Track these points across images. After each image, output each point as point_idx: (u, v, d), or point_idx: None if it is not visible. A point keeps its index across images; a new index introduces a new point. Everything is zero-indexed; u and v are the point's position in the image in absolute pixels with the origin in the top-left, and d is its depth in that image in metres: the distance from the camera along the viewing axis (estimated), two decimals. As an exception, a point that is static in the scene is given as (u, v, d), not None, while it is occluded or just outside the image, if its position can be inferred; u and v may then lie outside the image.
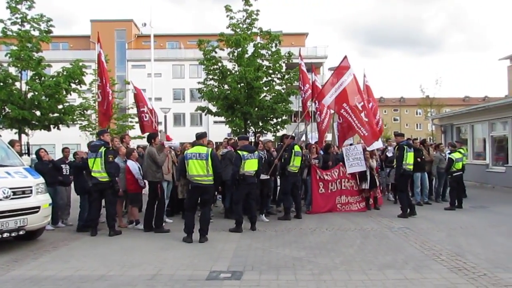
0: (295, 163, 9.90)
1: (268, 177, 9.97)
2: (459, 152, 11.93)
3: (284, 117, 14.34)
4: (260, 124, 13.86)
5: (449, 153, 12.11)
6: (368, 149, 11.78)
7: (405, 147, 10.30)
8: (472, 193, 14.07)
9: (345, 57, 10.27)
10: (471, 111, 19.09)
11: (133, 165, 8.84)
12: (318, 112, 11.64)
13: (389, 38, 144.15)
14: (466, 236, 7.87)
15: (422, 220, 9.60)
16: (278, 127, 14.69)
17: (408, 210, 10.00)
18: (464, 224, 9.14)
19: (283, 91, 13.87)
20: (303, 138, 13.55)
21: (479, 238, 7.65)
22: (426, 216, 10.12)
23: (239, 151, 8.55)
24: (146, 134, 10.39)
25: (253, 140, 12.92)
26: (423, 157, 12.19)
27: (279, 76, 13.82)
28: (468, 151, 18.18)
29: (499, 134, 17.41)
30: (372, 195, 11.43)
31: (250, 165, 8.43)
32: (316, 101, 11.56)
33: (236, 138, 10.42)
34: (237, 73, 13.00)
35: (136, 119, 27.20)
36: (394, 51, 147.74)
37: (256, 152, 8.77)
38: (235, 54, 13.33)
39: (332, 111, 11.49)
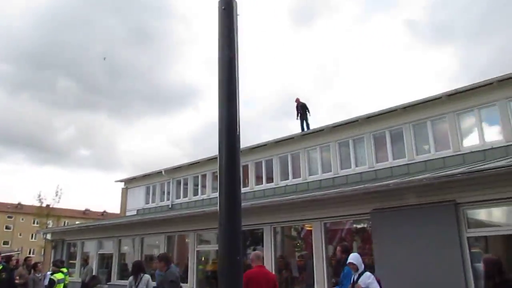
0: None
1: None
2: (62, 272, 11.49)
3: None
4: None
5: (51, 274, 11.45)
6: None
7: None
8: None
9: None
10: (82, 228, 19.50)
11: None
12: None
13: (13, 137, 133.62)
14: None
15: None
16: None
17: None
18: None
19: None
20: None
21: None
22: None
23: None
24: None
25: None
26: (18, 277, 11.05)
27: None
28: (76, 268, 17.98)
29: (107, 252, 18.23)
30: None
31: None
32: None
33: None
34: None
35: None
36: (18, 152, 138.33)
37: None
38: None
39: None
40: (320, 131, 15.71)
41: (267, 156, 17.39)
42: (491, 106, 11.87)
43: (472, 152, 11.86)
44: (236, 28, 2.79)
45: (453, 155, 12.17)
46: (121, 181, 26.44)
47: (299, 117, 17.96)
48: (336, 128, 15.11)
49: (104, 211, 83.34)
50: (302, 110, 18.02)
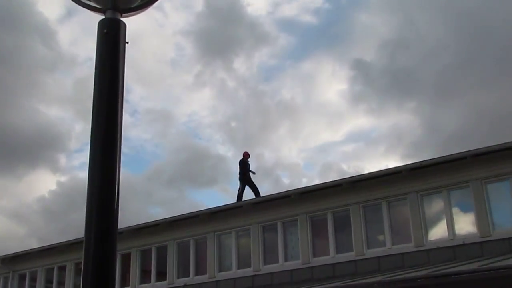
0: None
1: None
2: None
3: None
4: None
5: None
6: None
7: None
8: None
9: None
10: None
11: None
12: None
13: None
14: None
15: None
16: None
17: None
18: None
19: None
20: None
21: None
22: None
23: None
24: None
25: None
26: None
27: None
28: None
29: None
30: None
31: None
32: None
33: None
34: None
35: None
36: None
37: None
38: None
39: None
40: (238, 208, 15.79)
41: (159, 242, 17.03)
42: (463, 187, 12.79)
43: (438, 248, 12.53)
44: (122, 60, 2.80)
45: (414, 251, 12.76)
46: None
47: (242, 177, 17.96)
48: (259, 205, 15.30)
49: None
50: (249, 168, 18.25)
